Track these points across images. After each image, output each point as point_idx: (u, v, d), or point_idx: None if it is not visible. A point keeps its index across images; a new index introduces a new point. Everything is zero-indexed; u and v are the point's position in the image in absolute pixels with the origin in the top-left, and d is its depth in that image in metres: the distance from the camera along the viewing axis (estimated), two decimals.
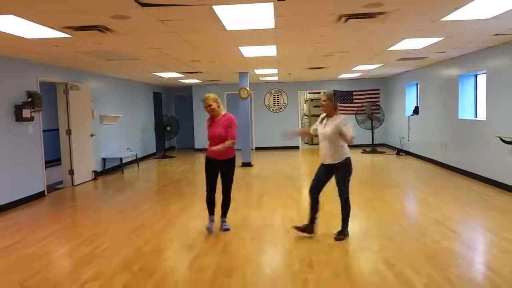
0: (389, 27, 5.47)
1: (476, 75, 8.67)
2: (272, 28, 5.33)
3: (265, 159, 12.49)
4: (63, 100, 8.68)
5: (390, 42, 6.74)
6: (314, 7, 4.39)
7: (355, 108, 14.46)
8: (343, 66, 10.27)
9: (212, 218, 5.12)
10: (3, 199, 6.70)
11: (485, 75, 7.88)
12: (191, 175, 9.85)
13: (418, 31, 5.86)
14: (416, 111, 11.90)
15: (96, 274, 3.95)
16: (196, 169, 10.85)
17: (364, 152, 13.28)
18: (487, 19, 5.15)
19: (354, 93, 14.95)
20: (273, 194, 7.21)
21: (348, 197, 4.81)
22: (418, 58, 8.91)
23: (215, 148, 4.76)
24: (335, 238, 4.70)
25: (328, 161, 4.69)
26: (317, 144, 5.05)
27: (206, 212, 5.17)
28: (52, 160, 10.83)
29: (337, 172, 4.72)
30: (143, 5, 4.05)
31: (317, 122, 4.86)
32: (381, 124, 13.74)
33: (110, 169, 10.61)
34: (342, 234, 4.73)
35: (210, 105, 4.87)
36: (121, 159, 10.62)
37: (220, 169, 4.98)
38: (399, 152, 12.51)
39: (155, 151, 14.49)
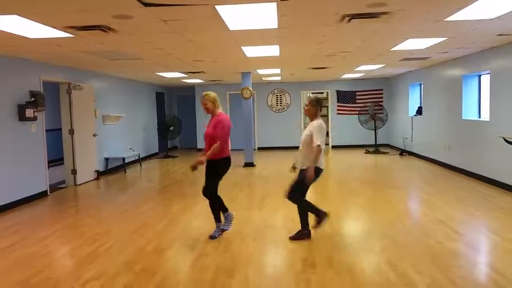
0: (392, 27, 5.46)
1: (479, 76, 8.64)
2: (275, 28, 5.32)
3: (267, 159, 12.48)
4: (66, 99, 8.70)
5: (393, 42, 6.72)
6: (317, 7, 4.37)
7: (358, 108, 14.43)
8: (346, 66, 10.25)
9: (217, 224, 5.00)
10: (5, 198, 6.72)
11: (489, 75, 7.85)
12: (193, 175, 9.82)
13: (421, 31, 5.84)
14: (419, 111, 11.87)
15: (98, 273, 3.95)
16: (198, 169, 10.83)
17: (367, 152, 13.26)
18: (491, 19, 5.13)
19: (357, 93, 14.92)
20: (275, 195, 7.19)
21: (300, 200, 4.72)
22: (421, 58, 8.88)
23: (203, 159, 4.72)
24: (290, 238, 4.76)
25: (297, 165, 4.73)
26: (325, 144, 5.03)
27: (207, 212, 5.10)
28: (55, 159, 10.86)
29: (298, 175, 4.68)
30: (146, 5, 4.04)
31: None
32: (384, 124, 13.71)
33: (113, 168, 10.63)
34: (299, 233, 4.76)
35: (205, 104, 4.81)
36: (123, 159, 10.63)
37: (206, 169, 4.91)
38: (402, 152, 12.48)
39: (157, 150, 14.51)
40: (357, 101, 14.90)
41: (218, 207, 4.92)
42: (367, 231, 5.16)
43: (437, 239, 4.68)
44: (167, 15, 4.48)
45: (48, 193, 7.88)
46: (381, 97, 14.80)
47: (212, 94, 4.86)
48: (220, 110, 4.88)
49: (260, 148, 15.15)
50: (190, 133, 15.35)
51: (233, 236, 4.95)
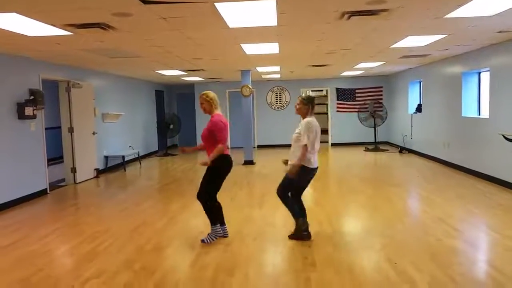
0: (392, 24, 5.45)
1: (479, 73, 8.63)
2: (275, 26, 5.31)
3: (267, 157, 12.48)
4: (65, 98, 8.69)
5: (393, 39, 6.71)
6: (316, 4, 4.37)
7: (358, 106, 14.43)
8: (346, 64, 10.24)
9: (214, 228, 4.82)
10: (5, 197, 6.71)
11: (488, 72, 7.85)
12: (192, 174, 9.85)
13: (421, 28, 5.83)
14: (419, 109, 11.87)
15: (98, 271, 3.95)
16: (198, 167, 10.83)
17: (367, 150, 13.27)
18: (491, 16, 5.12)
19: (356, 90, 14.92)
20: (275, 193, 7.17)
21: (284, 197, 4.69)
22: (421, 55, 8.87)
23: (186, 149, 4.71)
24: (289, 237, 4.68)
25: (286, 163, 4.67)
26: (322, 142, 4.96)
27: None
28: (54, 158, 10.86)
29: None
30: (145, 2, 4.04)
31: None
32: (383, 122, 13.71)
33: (112, 167, 10.62)
34: (295, 234, 4.66)
35: (201, 103, 4.68)
36: (123, 157, 10.63)
37: (206, 171, 4.75)
38: (402, 150, 12.49)
39: (157, 149, 14.51)
40: (357, 98, 14.90)
41: (214, 212, 4.76)
42: (367, 229, 5.16)
43: (437, 236, 4.69)
44: (167, 12, 4.47)
45: (48, 191, 7.87)
46: (381, 95, 14.80)
47: (210, 94, 4.70)
48: (217, 111, 4.69)
49: (259, 146, 15.15)
50: (190, 131, 15.33)
51: (233, 235, 4.95)
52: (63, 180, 8.91)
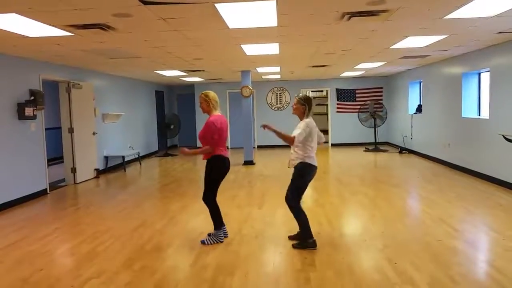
0: (392, 25, 5.45)
1: (479, 73, 8.63)
2: (275, 26, 5.32)
3: (267, 157, 12.49)
4: (66, 98, 8.69)
5: (393, 40, 6.71)
6: (317, 5, 4.37)
7: (358, 106, 14.44)
8: (346, 64, 10.24)
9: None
10: (5, 197, 6.72)
11: (488, 73, 7.85)
12: (193, 174, 9.85)
13: (421, 29, 5.83)
14: (419, 109, 11.87)
15: (98, 271, 3.96)
16: (198, 167, 10.85)
17: (367, 150, 13.27)
18: (490, 17, 5.12)
19: (357, 91, 14.93)
20: (275, 193, 7.20)
21: (295, 205, 4.44)
22: (421, 56, 8.87)
23: (186, 150, 4.62)
24: (293, 246, 4.49)
25: (289, 165, 4.51)
26: (325, 142, 4.86)
27: (206, 210, 4.89)
28: (55, 158, 10.88)
29: (293, 175, 4.51)
30: (146, 3, 4.04)
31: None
32: (383, 122, 13.72)
33: (112, 167, 10.63)
34: (300, 244, 4.49)
35: (200, 103, 4.68)
36: (123, 157, 10.63)
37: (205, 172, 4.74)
38: (402, 150, 12.49)
39: (157, 149, 14.51)
40: (357, 99, 14.90)
41: (219, 216, 4.74)
42: (367, 229, 5.16)
43: (437, 237, 4.69)
44: (167, 13, 4.48)
45: (48, 191, 7.88)
46: (381, 95, 14.81)
47: (210, 94, 4.67)
48: (216, 112, 4.65)
49: (259, 147, 15.15)
50: (190, 131, 15.35)
51: (233, 235, 4.95)
52: (63, 180, 8.91)
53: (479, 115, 8.65)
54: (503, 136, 6.93)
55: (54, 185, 8.47)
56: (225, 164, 4.67)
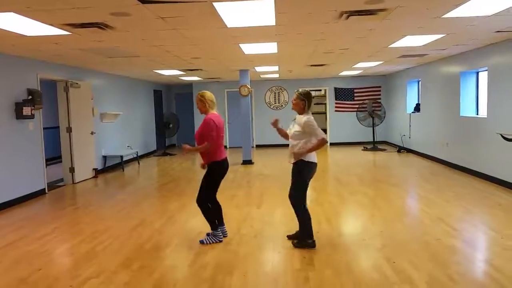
0: (390, 24, 5.46)
1: (477, 72, 8.64)
2: (273, 25, 5.31)
3: (266, 156, 12.48)
4: (64, 97, 8.67)
5: (391, 39, 6.72)
6: (315, 4, 4.37)
7: (356, 106, 14.45)
8: (344, 63, 10.25)
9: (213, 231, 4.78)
10: (3, 196, 6.70)
11: (486, 72, 7.86)
12: (191, 173, 9.84)
13: (419, 28, 5.84)
14: (417, 108, 11.88)
15: (96, 271, 3.95)
16: (196, 167, 10.84)
17: (365, 149, 13.28)
18: (488, 16, 5.13)
19: (355, 90, 14.94)
20: (274, 192, 7.20)
21: (300, 204, 4.40)
22: (419, 55, 8.88)
23: (187, 147, 4.60)
24: (294, 245, 4.47)
25: (289, 160, 4.48)
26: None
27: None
28: (53, 157, 10.86)
29: (292, 173, 4.48)
30: (144, 2, 4.03)
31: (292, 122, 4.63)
32: (382, 121, 13.73)
33: (111, 166, 10.62)
34: (300, 243, 4.47)
35: (197, 103, 4.67)
36: (121, 156, 10.62)
37: (204, 174, 4.72)
38: (400, 149, 12.50)
39: (155, 148, 14.50)
40: (355, 98, 14.91)
41: (213, 217, 4.72)
42: (365, 228, 5.16)
43: (435, 236, 4.70)
44: (165, 12, 4.47)
45: (46, 191, 7.87)
46: (379, 94, 14.82)
47: (205, 94, 4.64)
48: (213, 111, 4.64)
49: (258, 146, 15.15)
50: (188, 130, 15.32)
51: (232, 234, 4.95)
52: (62, 180, 8.90)
53: (477, 114, 8.66)
54: (501, 135, 6.94)
55: (52, 185, 8.46)
56: (224, 166, 4.68)
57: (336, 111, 15.09)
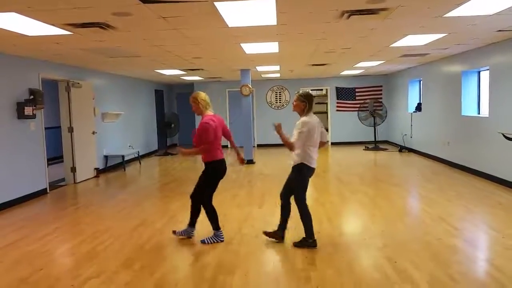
0: (391, 23, 5.45)
1: (479, 72, 8.63)
2: (274, 25, 5.31)
3: (267, 156, 12.48)
4: (65, 97, 8.68)
5: (393, 38, 6.71)
6: (316, 3, 4.36)
7: (358, 105, 14.43)
8: (346, 63, 10.24)
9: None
10: (5, 196, 6.72)
11: (488, 71, 7.84)
12: (193, 173, 9.84)
13: (420, 28, 5.83)
14: (418, 107, 11.86)
15: (97, 271, 3.95)
16: (197, 166, 10.84)
17: (366, 149, 13.27)
18: (490, 15, 5.12)
19: (356, 90, 14.92)
20: (275, 192, 7.17)
21: (301, 204, 4.42)
22: (420, 54, 8.87)
23: (183, 150, 4.59)
24: (294, 245, 4.47)
25: (290, 161, 4.51)
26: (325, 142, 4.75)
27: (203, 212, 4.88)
28: (54, 157, 10.87)
29: (291, 174, 4.52)
30: (145, 1, 4.03)
31: None
32: (383, 121, 13.71)
33: (112, 166, 10.62)
34: (303, 242, 4.47)
35: (191, 106, 4.66)
36: (123, 156, 10.63)
37: (202, 173, 4.73)
38: (402, 149, 12.48)
39: (157, 148, 14.51)
40: (357, 97, 14.90)
41: (215, 217, 4.73)
42: (367, 228, 5.16)
43: (437, 235, 4.69)
44: (166, 11, 4.47)
45: (48, 191, 7.88)
46: (381, 94, 14.80)
47: (199, 95, 4.61)
48: (208, 112, 4.64)
49: (259, 145, 15.14)
50: (189, 130, 15.29)
51: (233, 234, 4.95)
52: (63, 179, 8.91)
53: (479, 113, 8.65)
54: (503, 134, 6.93)
55: (54, 185, 8.47)
56: (223, 166, 4.68)
57: (337, 110, 15.08)
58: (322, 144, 4.56)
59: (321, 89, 15.97)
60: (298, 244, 4.46)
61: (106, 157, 10.36)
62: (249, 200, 6.75)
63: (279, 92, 15.25)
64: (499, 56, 7.35)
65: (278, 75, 13.34)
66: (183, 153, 4.62)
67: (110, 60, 8.11)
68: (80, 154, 8.93)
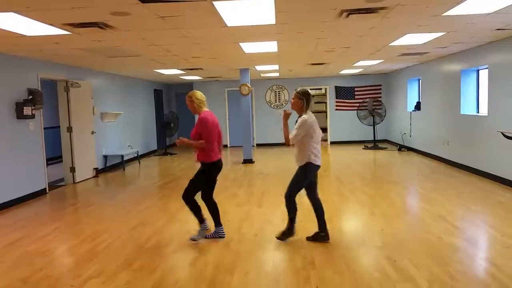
0: (390, 22, 5.45)
1: (478, 70, 8.63)
2: (273, 24, 5.31)
3: (266, 155, 12.48)
4: (64, 97, 8.68)
5: (392, 37, 6.71)
6: (315, 2, 4.36)
7: (357, 104, 14.44)
8: (345, 62, 10.24)
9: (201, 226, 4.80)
10: (4, 196, 6.71)
11: (487, 70, 7.85)
12: (192, 172, 9.81)
13: (419, 26, 5.83)
14: (418, 106, 11.87)
15: (97, 271, 3.95)
16: (197, 166, 10.83)
17: (366, 148, 13.28)
18: (489, 14, 5.12)
19: (355, 89, 14.92)
20: (274, 191, 7.19)
21: (290, 201, 4.51)
22: (419, 53, 8.87)
23: (184, 140, 4.58)
24: (307, 238, 4.59)
25: (294, 161, 4.53)
26: (324, 140, 4.84)
27: (205, 209, 4.90)
28: (54, 157, 10.86)
29: (295, 173, 4.54)
30: (144, 1, 4.03)
31: None
32: (382, 120, 13.72)
33: (112, 166, 10.62)
34: (319, 235, 4.56)
35: (187, 106, 4.70)
36: (122, 156, 10.63)
37: (197, 171, 4.77)
38: (401, 148, 12.49)
39: (156, 148, 14.50)
40: (356, 97, 14.90)
41: (217, 212, 4.76)
42: (366, 227, 5.16)
43: (436, 234, 4.69)
44: (165, 11, 4.46)
45: (47, 191, 7.87)
46: (380, 93, 14.81)
47: (193, 94, 4.65)
48: (204, 109, 4.67)
49: (258, 145, 15.14)
50: (189, 130, 15.19)
51: (232, 233, 4.95)
52: (62, 179, 8.90)
53: (478, 112, 8.65)
54: (502, 133, 6.93)
55: (53, 185, 8.46)
56: (218, 166, 4.69)
57: (336, 109, 15.08)
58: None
59: (320, 88, 15.96)
60: (311, 238, 4.55)
61: (105, 157, 10.36)
62: (249, 199, 6.75)
63: (278, 92, 15.25)
64: (498, 54, 7.36)
65: (277, 74, 13.34)
66: (182, 142, 4.59)
67: (109, 60, 8.10)
68: (79, 154, 8.92)
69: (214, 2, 4.16)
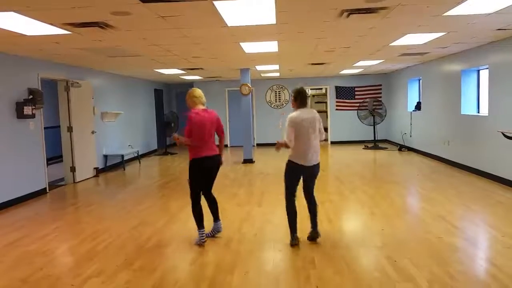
0: (391, 22, 5.45)
1: (478, 70, 8.63)
2: (274, 24, 5.31)
3: (266, 155, 12.48)
4: (64, 97, 8.68)
5: (392, 37, 6.70)
6: (315, 2, 4.36)
7: (357, 104, 14.44)
8: (345, 62, 10.23)
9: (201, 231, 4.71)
10: (5, 196, 6.71)
11: (487, 70, 7.85)
12: None
13: (420, 26, 5.83)
14: (418, 106, 11.87)
15: (97, 270, 3.95)
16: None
17: (366, 148, 13.28)
18: (489, 14, 5.12)
19: (356, 89, 14.92)
20: (275, 191, 7.20)
21: (285, 201, 4.57)
22: (420, 53, 8.87)
23: (175, 136, 4.69)
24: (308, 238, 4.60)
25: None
26: (324, 140, 4.88)
27: (206, 209, 4.88)
28: (54, 157, 10.86)
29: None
30: (144, 1, 4.03)
31: None
32: (383, 120, 13.71)
33: (112, 166, 10.62)
34: (314, 234, 4.57)
35: (186, 100, 4.77)
36: (122, 156, 10.63)
37: None
38: (401, 148, 12.49)
39: (156, 147, 14.50)
40: (356, 96, 14.90)
41: (197, 216, 4.68)
42: (366, 226, 5.16)
43: (436, 234, 4.69)
44: (165, 11, 4.46)
45: (47, 190, 7.88)
46: (380, 93, 14.81)
47: (194, 91, 4.71)
48: (198, 106, 4.70)
49: (259, 145, 15.14)
50: None
51: (232, 233, 4.95)
52: (63, 179, 8.91)
53: (478, 112, 8.65)
54: (502, 133, 6.93)
55: (53, 184, 8.47)
56: (198, 164, 4.62)
57: (337, 109, 15.07)
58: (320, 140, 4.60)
59: (321, 88, 15.97)
60: (310, 238, 4.57)
61: (105, 156, 10.36)
62: (249, 199, 6.75)
63: (279, 92, 15.24)
64: (498, 55, 7.35)
65: (277, 74, 13.34)
66: (175, 138, 4.70)
67: (109, 59, 8.11)
68: (80, 154, 8.93)
69: (214, 2, 4.16)
